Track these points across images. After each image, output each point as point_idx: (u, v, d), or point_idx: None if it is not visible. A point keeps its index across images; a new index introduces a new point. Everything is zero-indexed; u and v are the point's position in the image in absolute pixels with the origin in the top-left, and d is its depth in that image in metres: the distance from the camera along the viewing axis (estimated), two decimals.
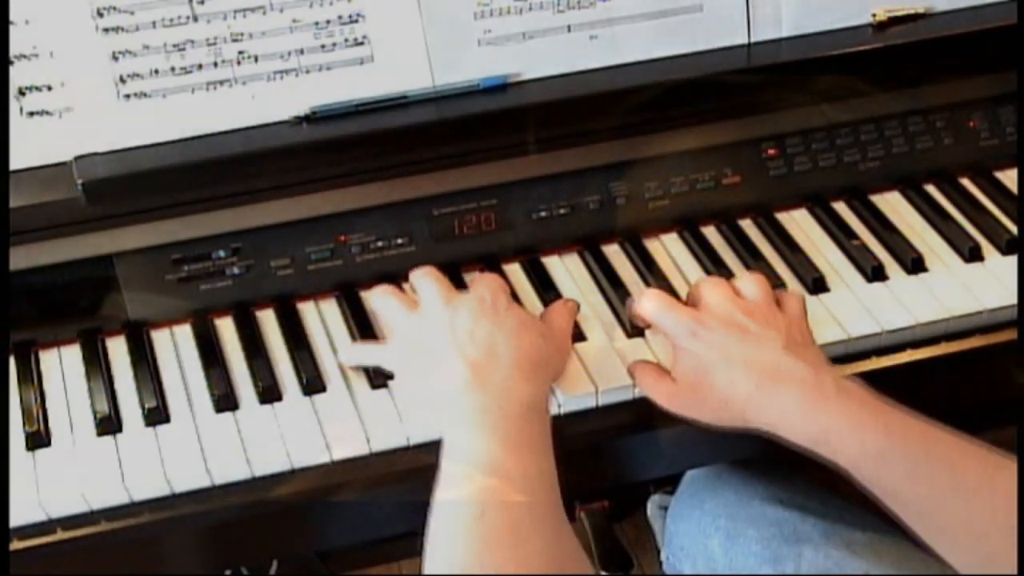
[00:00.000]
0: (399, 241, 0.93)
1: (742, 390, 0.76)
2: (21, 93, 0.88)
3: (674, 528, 1.02)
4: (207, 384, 0.86)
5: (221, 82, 0.91)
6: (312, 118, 0.92)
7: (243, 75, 0.91)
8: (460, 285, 0.92)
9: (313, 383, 0.85)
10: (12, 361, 0.87)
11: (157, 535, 0.79)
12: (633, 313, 0.86)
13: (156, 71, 0.89)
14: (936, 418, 0.73)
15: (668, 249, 0.98)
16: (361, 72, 0.93)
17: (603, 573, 1.24)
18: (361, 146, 0.92)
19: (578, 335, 0.88)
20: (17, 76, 0.88)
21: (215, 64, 0.90)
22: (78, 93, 0.89)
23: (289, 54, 0.91)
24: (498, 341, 0.77)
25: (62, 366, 0.88)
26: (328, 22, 0.92)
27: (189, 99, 0.90)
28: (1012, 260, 0.95)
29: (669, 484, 1.17)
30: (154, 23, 0.89)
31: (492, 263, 0.95)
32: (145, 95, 0.90)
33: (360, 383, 0.86)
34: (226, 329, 0.90)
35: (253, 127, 0.92)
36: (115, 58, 0.88)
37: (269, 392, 0.85)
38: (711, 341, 0.78)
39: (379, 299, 0.86)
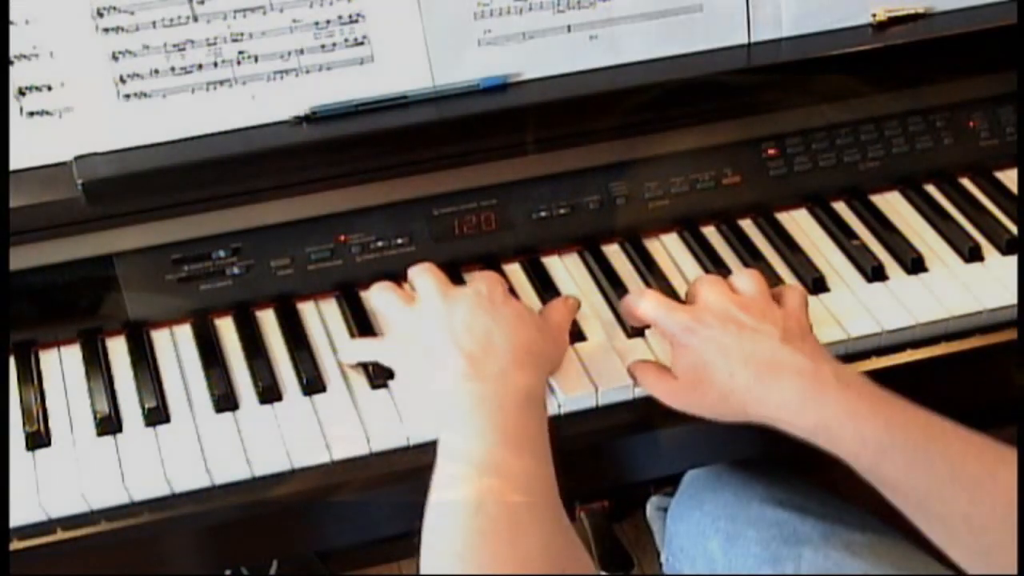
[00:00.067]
0: (399, 241, 0.93)
1: (741, 383, 0.76)
2: (21, 93, 0.88)
3: (674, 529, 1.02)
4: (207, 384, 0.86)
5: (221, 82, 0.91)
6: (312, 118, 0.92)
7: (243, 75, 0.91)
8: (460, 285, 0.92)
9: (313, 383, 0.85)
10: (12, 361, 0.87)
11: (157, 535, 0.79)
12: (627, 313, 0.87)
13: (156, 71, 0.89)
14: None
15: (668, 249, 0.98)
16: (361, 72, 0.93)
17: (603, 573, 1.24)
18: (361, 146, 0.92)
19: (578, 335, 0.89)
20: (17, 76, 0.88)
21: (215, 64, 0.90)
22: (78, 93, 0.89)
23: (289, 54, 0.91)
24: (495, 333, 0.77)
25: (62, 366, 0.88)
26: (328, 22, 0.92)
27: (189, 99, 0.90)
28: (1012, 260, 0.95)
29: (668, 485, 1.17)
30: (154, 23, 0.89)
31: (492, 263, 0.96)
32: (145, 95, 0.90)
33: (360, 383, 0.86)
34: (226, 329, 0.90)
35: (253, 127, 0.92)
36: (115, 58, 0.89)
37: (269, 392, 0.85)
38: (708, 337, 0.78)
39: (377, 294, 0.86)
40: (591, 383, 0.84)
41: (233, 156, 0.89)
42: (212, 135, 0.91)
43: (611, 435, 0.85)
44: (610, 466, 0.89)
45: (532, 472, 0.70)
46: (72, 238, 0.87)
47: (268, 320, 0.91)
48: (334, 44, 0.92)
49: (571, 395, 0.84)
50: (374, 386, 0.85)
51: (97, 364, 0.87)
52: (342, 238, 0.92)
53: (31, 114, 0.89)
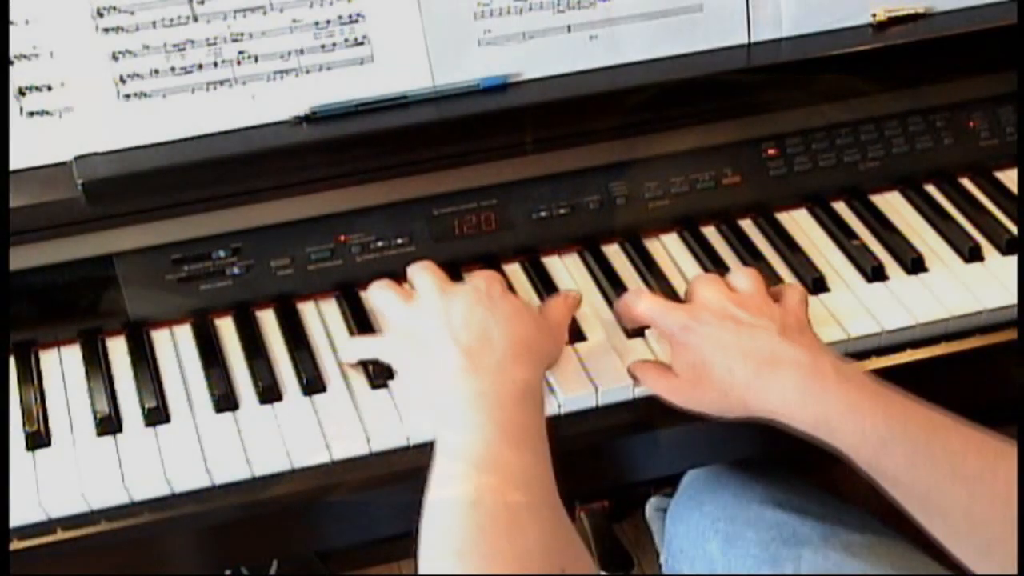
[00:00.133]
0: (399, 241, 0.93)
1: (740, 378, 0.76)
2: (21, 93, 0.88)
3: (673, 531, 1.02)
4: (207, 384, 0.86)
5: (221, 82, 0.91)
6: (312, 118, 0.92)
7: (243, 75, 0.91)
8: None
9: (313, 383, 0.85)
10: (12, 361, 0.87)
11: (157, 535, 0.79)
12: (622, 315, 0.87)
13: (156, 71, 0.89)
14: None
15: (668, 249, 0.98)
16: (361, 72, 0.93)
17: (603, 573, 1.24)
18: (361, 146, 0.92)
19: (578, 335, 0.89)
20: (17, 76, 0.88)
21: (215, 64, 0.90)
22: (78, 93, 0.89)
23: (289, 54, 0.91)
24: (492, 327, 0.78)
25: (62, 366, 0.88)
26: (328, 22, 0.92)
27: (189, 99, 0.90)
28: (1012, 260, 0.95)
29: (668, 485, 1.17)
30: (154, 23, 0.89)
31: (492, 263, 0.95)
32: (145, 95, 0.90)
33: (360, 383, 0.86)
34: (226, 329, 0.90)
35: (253, 127, 0.92)
36: (115, 58, 0.89)
37: (269, 392, 0.85)
38: (706, 334, 0.79)
39: (376, 292, 0.87)
40: (591, 383, 0.84)
41: (233, 156, 0.89)
42: (212, 135, 0.91)
43: (611, 435, 0.85)
44: (610, 466, 0.89)
45: (530, 467, 0.70)
46: (72, 238, 0.87)
47: (268, 320, 0.91)
48: (334, 44, 0.92)
49: (571, 395, 0.84)
50: (374, 386, 0.85)
51: (97, 364, 0.87)
52: (342, 238, 0.92)
53: (31, 114, 0.89)
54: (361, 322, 0.90)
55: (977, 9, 1.03)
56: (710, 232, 0.99)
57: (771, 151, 0.99)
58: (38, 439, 0.81)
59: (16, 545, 0.76)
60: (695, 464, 1.01)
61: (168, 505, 0.79)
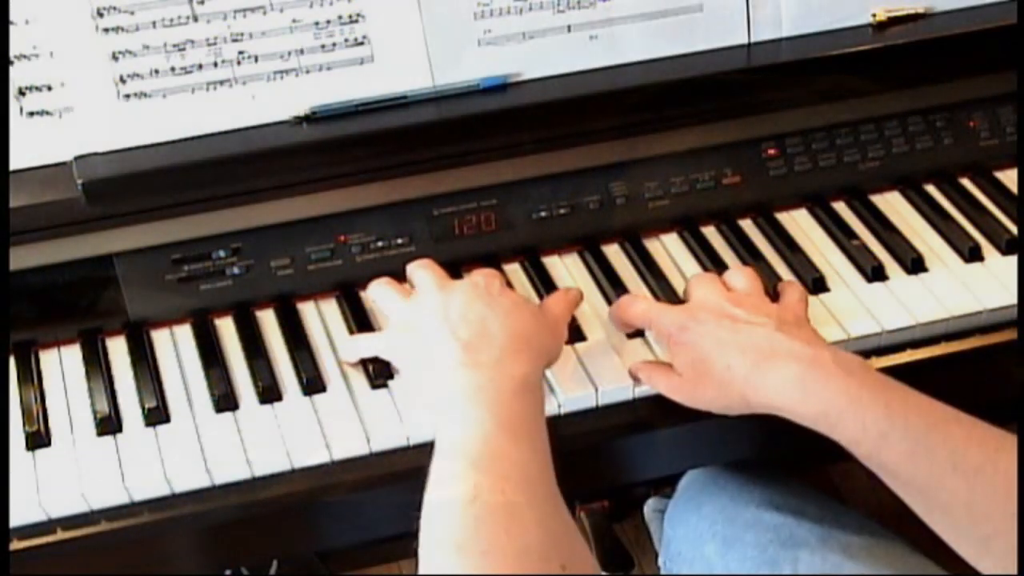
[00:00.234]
0: (399, 241, 0.93)
1: (739, 373, 0.76)
2: (21, 93, 0.88)
3: (671, 533, 1.02)
4: (207, 384, 0.86)
5: (221, 82, 0.91)
6: (312, 118, 0.92)
7: (243, 75, 0.91)
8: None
9: (313, 383, 0.85)
10: (12, 361, 0.87)
11: (157, 535, 0.79)
12: (617, 319, 0.87)
13: (156, 71, 0.89)
14: None
15: (668, 249, 0.98)
16: (361, 72, 0.93)
17: (603, 573, 1.24)
18: (361, 146, 0.92)
19: (578, 335, 0.89)
20: (17, 76, 0.88)
21: (215, 64, 0.90)
22: (78, 93, 0.89)
23: (289, 54, 0.91)
24: (490, 321, 0.78)
25: (62, 366, 0.88)
26: (328, 22, 0.92)
27: (189, 99, 0.90)
28: (1012, 260, 0.95)
29: (667, 486, 1.17)
30: (154, 23, 0.89)
31: (492, 263, 0.95)
32: (145, 95, 0.90)
33: (360, 383, 0.86)
34: (226, 329, 0.91)
35: (253, 127, 0.92)
36: (115, 58, 0.89)
37: (269, 392, 0.85)
38: (703, 333, 0.79)
39: (375, 290, 0.87)
40: (591, 383, 0.84)
41: (233, 156, 0.89)
42: (212, 135, 0.91)
43: (610, 435, 0.85)
44: (609, 466, 0.89)
45: (530, 461, 0.70)
46: (72, 238, 0.87)
47: (268, 320, 0.91)
48: (334, 44, 0.92)
49: (571, 395, 0.84)
50: (374, 386, 0.85)
51: (97, 364, 0.87)
52: (342, 238, 0.92)
53: (31, 114, 0.89)
54: (361, 322, 0.90)
55: (977, 9, 1.03)
56: (710, 232, 0.99)
57: (771, 151, 0.99)
58: (38, 439, 0.81)
59: (16, 545, 0.76)
60: (695, 464, 1.01)
61: (168, 505, 0.79)
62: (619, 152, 0.96)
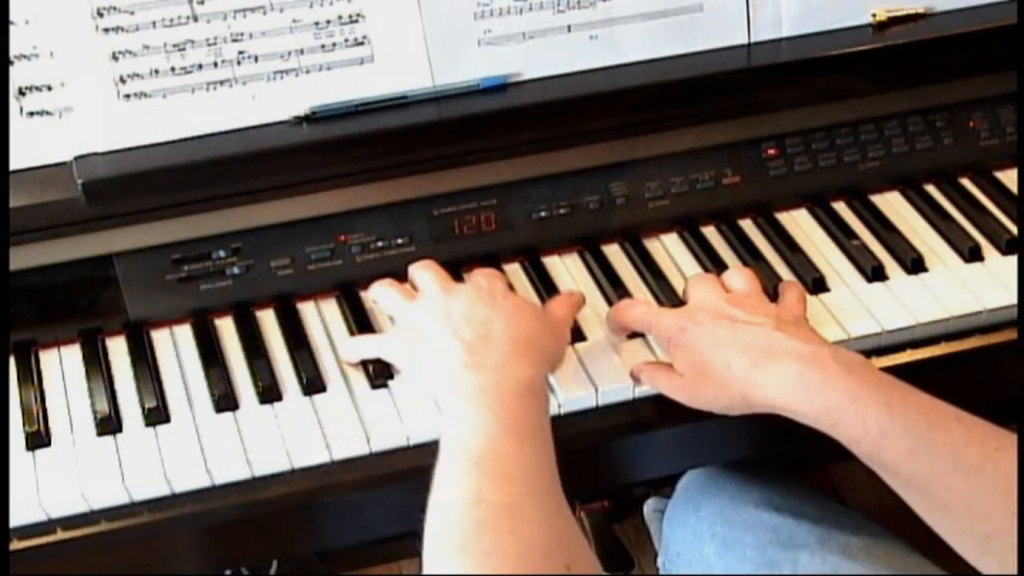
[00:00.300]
0: (399, 241, 0.93)
1: (738, 372, 0.76)
2: (21, 93, 0.88)
3: (670, 534, 1.02)
4: (207, 384, 0.86)
5: (221, 82, 0.91)
6: (312, 118, 0.92)
7: (243, 75, 0.91)
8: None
9: (313, 383, 0.85)
10: (12, 361, 0.87)
11: (157, 535, 0.79)
12: (614, 324, 0.87)
13: (156, 71, 0.89)
14: None
15: (668, 249, 0.98)
16: (361, 72, 0.93)
17: (604, 574, 1.24)
18: (361, 146, 0.92)
19: (578, 335, 0.89)
20: (17, 76, 0.88)
21: (215, 64, 0.90)
22: (78, 93, 0.89)
23: (289, 54, 0.91)
24: (494, 324, 0.78)
25: (62, 366, 0.88)
26: (328, 22, 0.92)
27: (189, 99, 0.90)
28: (1012, 260, 0.95)
29: (667, 486, 1.17)
30: (154, 23, 0.89)
31: (492, 263, 0.95)
32: (145, 95, 0.90)
33: (360, 383, 0.86)
34: (226, 329, 0.91)
35: (253, 127, 0.92)
36: (115, 58, 0.89)
37: (269, 392, 0.85)
38: (701, 334, 0.79)
39: (378, 291, 0.87)
40: (591, 383, 0.84)
41: (233, 156, 0.89)
42: (212, 135, 0.91)
43: (611, 435, 0.85)
44: (609, 466, 0.89)
45: (533, 462, 0.70)
46: (72, 238, 0.87)
47: (268, 320, 0.91)
48: (334, 44, 0.92)
49: (571, 395, 0.84)
50: (374, 386, 0.85)
51: (97, 364, 0.87)
52: (342, 238, 0.92)
53: (31, 114, 0.89)
54: (361, 322, 0.90)
55: (977, 9, 1.03)
56: (710, 232, 0.99)
57: (771, 151, 0.99)
58: (38, 439, 0.81)
59: (16, 545, 0.76)
60: (694, 464, 1.01)
61: (168, 505, 0.79)
62: (619, 152, 0.96)
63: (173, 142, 0.91)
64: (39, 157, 0.89)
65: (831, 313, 0.90)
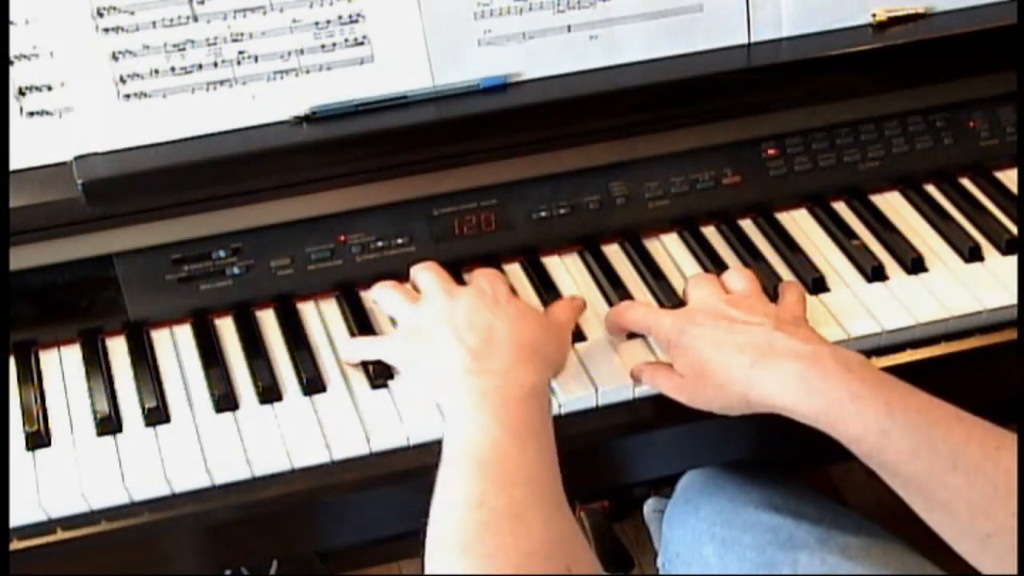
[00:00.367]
0: (399, 241, 0.93)
1: (738, 372, 0.76)
2: (21, 93, 0.88)
3: (670, 535, 1.02)
4: (207, 384, 0.86)
5: (221, 82, 0.91)
6: (312, 118, 0.92)
7: (243, 75, 0.91)
8: (461, 285, 0.92)
9: (313, 383, 0.85)
10: (12, 361, 0.87)
11: (157, 535, 0.79)
12: (612, 326, 0.87)
13: (156, 71, 0.89)
14: None
15: (668, 249, 0.98)
16: (361, 72, 0.93)
17: (605, 574, 1.24)
18: (361, 146, 0.92)
19: (578, 335, 0.89)
20: (17, 76, 0.88)
21: (215, 64, 0.90)
22: (78, 93, 0.89)
23: (289, 54, 0.91)
24: (497, 329, 0.78)
25: (62, 366, 0.88)
26: (328, 22, 0.92)
27: (189, 99, 0.90)
28: (1012, 260, 0.95)
29: (667, 486, 1.17)
30: (154, 23, 0.89)
31: (492, 263, 0.95)
32: (145, 95, 0.90)
33: (360, 383, 0.86)
34: (226, 329, 0.91)
35: (253, 127, 0.92)
36: (115, 58, 0.89)
37: (269, 392, 0.85)
38: (700, 334, 0.79)
39: (380, 293, 0.87)
40: (591, 383, 0.84)
41: (233, 156, 0.89)
42: (212, 135, 0.91)
43: (611, 435, 0.85)
44: (610, 466, 0.89)
45: (535, 465, 0.71)
46: (72, 238, 0.87)
47: (268, 320, 0.91)
48: (334, 44, 0.92)
49: (571, 395, 0.84)
50: (374, 386, 0.85)
51: (97, 364, 0.87)
52: (342, 238, 0.92)
53: (31, 114, 0.89)
54: (361, 322, 0.90)
55: (977, 9, 1.03)
56: (710, 232, 0.99)
57: (771, 151, 0.99)
58: (38, 439, 0.81)
59: (16, 545, 0.76)
60: (694, 464, 1.01)
61: (168, 505, 0.79)
62: (619, 152, 0.96)
63: (173, 142, 0.91)
64: (39, 157, 0.89)
65: (831, 313, 0.90)
